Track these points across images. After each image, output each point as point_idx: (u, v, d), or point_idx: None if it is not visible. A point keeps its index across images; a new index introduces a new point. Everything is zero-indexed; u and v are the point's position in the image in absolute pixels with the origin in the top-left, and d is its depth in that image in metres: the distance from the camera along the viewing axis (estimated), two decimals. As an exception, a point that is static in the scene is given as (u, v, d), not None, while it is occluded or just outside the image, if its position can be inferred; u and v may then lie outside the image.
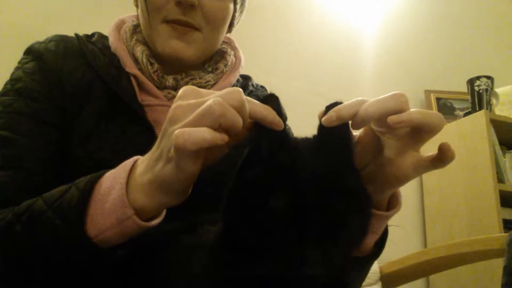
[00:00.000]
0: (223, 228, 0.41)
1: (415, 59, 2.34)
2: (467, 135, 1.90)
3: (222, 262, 0.40)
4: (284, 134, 0.39)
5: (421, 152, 0.44)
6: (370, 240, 0.47)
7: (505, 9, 2.59)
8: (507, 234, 1.07)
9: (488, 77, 1.98)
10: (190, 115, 0.37)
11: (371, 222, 0.40)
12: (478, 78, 1.98)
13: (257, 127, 0.39)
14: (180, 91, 0.41)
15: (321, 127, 0.40)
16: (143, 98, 0.67)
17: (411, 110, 0.40)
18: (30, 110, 0.61)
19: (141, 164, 0.43)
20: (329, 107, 0.40)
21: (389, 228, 0.53)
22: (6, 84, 0.65)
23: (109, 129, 0.62)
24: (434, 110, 2.22)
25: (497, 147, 1.88)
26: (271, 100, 0.40)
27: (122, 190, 0.41)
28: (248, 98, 0.40)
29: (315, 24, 2.14)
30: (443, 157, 0.41)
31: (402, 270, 1.30)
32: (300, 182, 0.35)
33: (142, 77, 0.68)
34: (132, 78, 0.68)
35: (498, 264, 1.15)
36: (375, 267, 1.33)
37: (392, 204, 0.48)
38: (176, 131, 0.36)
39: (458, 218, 1.88)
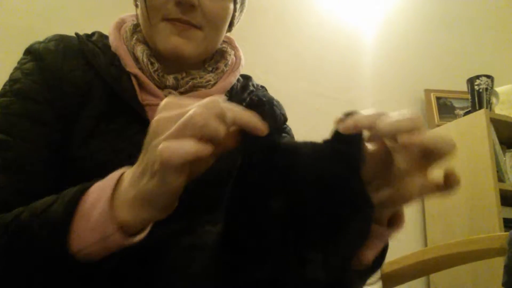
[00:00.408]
0: (223, 229, 0.41)
1: (415, 59, 2.34)
2: (467, 134, 1.89)
3: (222, 263, 0.40)
4: (273, 138, 0.39)
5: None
6: (370, 254, 0.46)
7: (505, 8, 2.59)
8: (507, 233, 1.07)
9: (488, 76, 1.98)
10: (172, 127, 0.37)
11: (371, 238, 0.40)
12: (478, 77, 1.98)
13: (243, 134, 0.39)
14: (162, 103, 0.41)
15: (336, 133, 0.40)
16: (143, 98, 0.67)
17: (424, 132, 0.39)
18: (29, 111, 0.61)
19: (126, 178, 0.42)
20: (346, 115, 0.40)
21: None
22: (5, 85, 0.64)
23: (110, 129, 0.62)
24: (434, 109, 2.23)
25: (497, 146, 1.88)
26: (254, 107, 0.39)
27: (106, 206, 0.41)
28: (230, 105, 0.39)
29: (315, 24, 2.14)
30: (447, 182, 0.41)
31: (403, 269, 1.29)
32: (299, 184, 0.35)
33: (143, 77, 0.68)
34: (132, 78, 0.67)
35: (498, 263, 1.15)
36: (375, 267, 1.33)
37: (395, 222, 0.47)
38: (160, 146, 0.36)
39: (459, 217, 1.88)
